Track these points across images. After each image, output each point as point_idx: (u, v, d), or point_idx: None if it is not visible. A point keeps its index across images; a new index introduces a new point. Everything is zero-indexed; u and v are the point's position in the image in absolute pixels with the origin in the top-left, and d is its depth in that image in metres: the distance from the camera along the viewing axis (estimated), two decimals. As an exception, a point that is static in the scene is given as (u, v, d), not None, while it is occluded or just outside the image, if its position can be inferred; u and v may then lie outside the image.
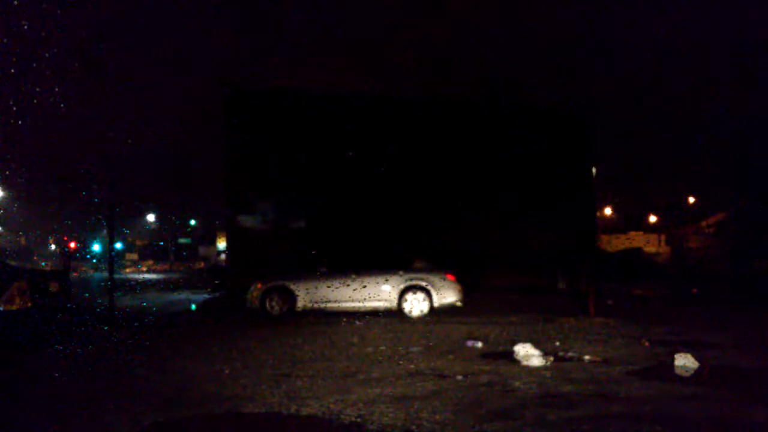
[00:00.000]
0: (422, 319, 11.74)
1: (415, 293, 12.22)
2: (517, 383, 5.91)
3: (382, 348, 8.13)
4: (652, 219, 51.59)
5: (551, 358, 6.93)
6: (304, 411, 5.08)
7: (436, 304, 12.16)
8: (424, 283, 12.24)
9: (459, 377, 6.22)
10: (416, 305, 12.15)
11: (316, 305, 12.26)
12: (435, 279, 12.31)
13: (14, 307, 7.82)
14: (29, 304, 7.94)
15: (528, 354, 6.94)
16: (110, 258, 12.78)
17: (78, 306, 12.14)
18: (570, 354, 7.38)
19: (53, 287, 8.82)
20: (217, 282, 20.25)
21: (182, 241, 56.20)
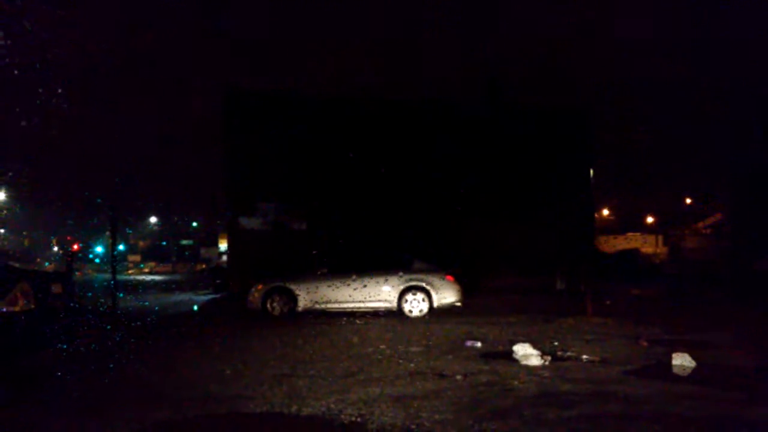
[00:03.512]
0: (422, 319, 11.77)
1: (414, 293, 12.26)
2: (515, 383, 5.94)
3: (383, 348, 8.16)
4: (650, 220, 51.59)
5: (549, 358, 6.96)
6: (305, 411, 5.11)
7: (435, 305, 12.20)
8: (423, 284, 12.28)
9: (458, 377, 6.24)
10: (416, 305, 12.20)
11: (316, 306, 12.31)
12: (435, 279, 12.35)
13: (17, 309, 7.86)
14: (32, 306, 7.99)
15: (527, 354, 6.97)
16: (113, 259, 12.85)
17: (81, 306, 12.18)
18: (568, 354, 7.41)
19: (56, 288, 8.86)
20: (218, 282, 20.30)
21: (184, 242, 56.20)
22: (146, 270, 49.08)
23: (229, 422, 4.96)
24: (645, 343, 8.05)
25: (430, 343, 8.57)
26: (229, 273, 18.94)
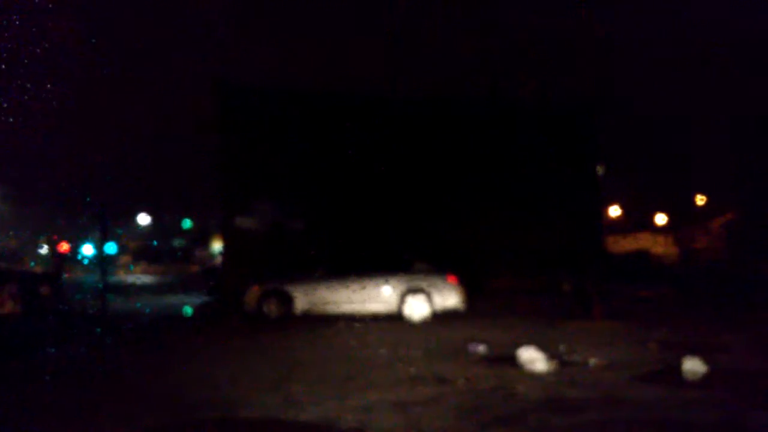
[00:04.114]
0: (423, 322, 11.60)
1: (415, 296, 12.03)
2: (520, 388, 5.81)
3: (382, 352, 8.03)
4: (660, 220, 51.17)
5: (555, 362, 6.79)
6: (302, 416, 4.99)
7: (437, 307, 11.98)
8: (425, 285, 12.07)
9: (460, 382, 6.11)
10: (417, 308, 11.96)
11: (314, 308, 12.09)
12: (436, 281, 12.14)
13: (5, 311, 7.68)
14: (19, 309, 7.81)
15: (531, 358, 6.80)
16: (102, 260, 12.65)
17: (70, 309, 12.05)
18: (575, 358, 7.26)
19: (45, 290, 8.68)
20: (212, 284, 20.07)
21: (177, 242, 55.85)
22: (137, 271, 48.77)
23: (223, 428, 4.85)
24: (654, 347, 7.90)
25: (431, 346, 8.45)
26: (223, 274, 18.71)
